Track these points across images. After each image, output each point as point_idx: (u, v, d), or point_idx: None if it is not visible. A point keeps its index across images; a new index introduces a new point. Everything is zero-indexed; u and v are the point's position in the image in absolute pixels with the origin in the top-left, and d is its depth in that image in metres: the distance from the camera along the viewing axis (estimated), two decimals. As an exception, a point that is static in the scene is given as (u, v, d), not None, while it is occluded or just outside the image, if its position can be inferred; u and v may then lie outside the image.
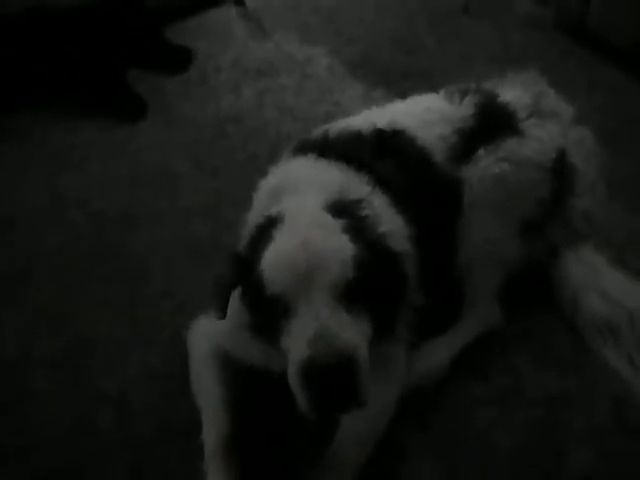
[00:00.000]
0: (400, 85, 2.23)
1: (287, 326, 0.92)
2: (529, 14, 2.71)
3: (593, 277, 1.42)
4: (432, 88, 1.54)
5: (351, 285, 0.91)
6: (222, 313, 1.08)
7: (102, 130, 2.09)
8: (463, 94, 1.42)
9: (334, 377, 0.84)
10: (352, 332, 0.88)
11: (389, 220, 1.09)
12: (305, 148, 1.23)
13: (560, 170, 1.45)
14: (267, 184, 1.19)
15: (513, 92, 1.50)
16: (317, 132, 1.31)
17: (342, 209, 1.01)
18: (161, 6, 2.78)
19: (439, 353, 1.31)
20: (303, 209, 1.01)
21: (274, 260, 0.94)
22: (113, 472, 1.20)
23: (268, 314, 0.96)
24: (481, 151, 1.33)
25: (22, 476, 1.20)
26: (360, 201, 1.04)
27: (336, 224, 0.97)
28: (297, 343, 0.88)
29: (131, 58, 2.44)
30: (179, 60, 2.45)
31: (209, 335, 1.25)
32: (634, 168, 1.94)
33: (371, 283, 0.94)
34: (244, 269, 1.00)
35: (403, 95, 1.58)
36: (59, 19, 2.44)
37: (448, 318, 1.38)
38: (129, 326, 1.47)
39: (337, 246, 0.93)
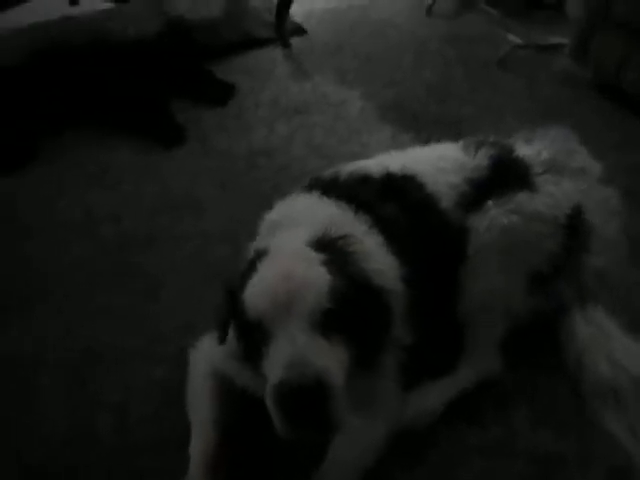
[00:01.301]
0: (428, 131, 2.29)
1: (266, 352, 0.95)
2: (566, 71, 2.74)
3: (601, 340, 1.38)
4: (460, 137, 1.57)
5: (327, 314, 0.95)
6: (221, 340, 1.14)
7: (138, 153, 2.22)
8: (479, 145, 1.45)
9: (305, 399, 0.87)
10: (326, 358, 0.92)
11: (379, 258, 1.12)
12: (313, 185, 1.28)
13: (574, 227, 1.44)
14: (268, 218, 1.25)
15: (531, 147, 1.52)
16: (330, 171, 1.36)
17: (325, 244, 1.06)
18: (210, 42, 2.97)
19: (432, 397, 1.30)
20: (287, 243, 1.08)
21: (255, 289, 1.00)
22: (106, 478, 1.24)
23: (251, 341, 1.01)
24: (490, 202, 1.35)
25: (14, 474, 1.25)
26: (346, 237, 1.08)
27: (316, 257, 1.02)
28: (273, 367, 0.92)
29: (176, 88, 2.61)
30: (221, 94, 2.59)
31: (209, 356, 1.29)
32: (659, 230, 1.90)
33: (348, 314, 0.97)
34: (233, 299, 1.06)
35: (430, 142, 1.62)
36: (118, 50, 2.64)
37: (446, 362, 1.37)
38: (137, 340, 1.53)
39: (314, 277, 0.98)
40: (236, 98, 2.59)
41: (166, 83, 2.60)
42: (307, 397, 0.87)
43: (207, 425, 1.21)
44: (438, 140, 1.61)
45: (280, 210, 1.25)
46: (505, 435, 1.28)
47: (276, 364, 0.91)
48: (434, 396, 1.31)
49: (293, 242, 1.07)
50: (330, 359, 0.92)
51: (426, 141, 1.64)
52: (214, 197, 2.01)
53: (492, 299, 1.32)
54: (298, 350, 0.90)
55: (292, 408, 0.89)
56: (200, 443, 1.19)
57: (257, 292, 0.99)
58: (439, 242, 1.30)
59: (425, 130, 2.31)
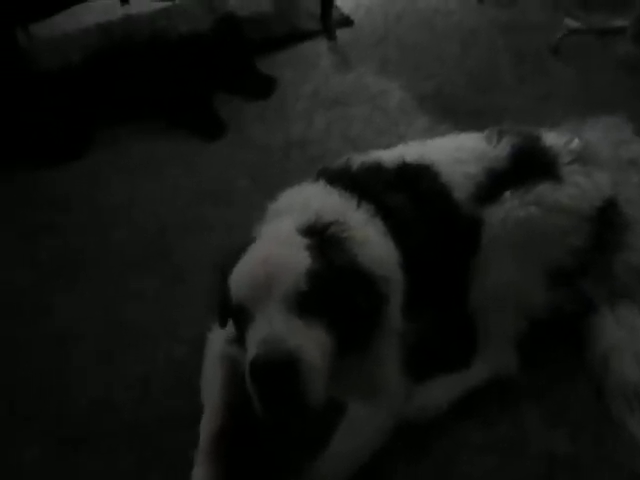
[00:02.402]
0: (467, 122, 2.19)
1: (247, 333, 0.98)
2: (626, 57, 2.55)
3: (630, 340, 1.31)
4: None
5: (304, 296, 0.96)
6: (222, 324, 1.18)
7: (180, 145, 2.32)
8: (502, 135, 1.40)
9: (276, 375, 0.90)
10: (301, 338, 0.93)
11: (377, 246, 1.12)
12: (321, 174, 1.29)
13: (607, 220, 1.36)
14: (272, 206, 1.28)
15: (561, 136, 1.45)
16: (341, 161, 1.37)
17: (316, 230, 1.07)
18: (259, 37, 3.03)
19: (441, 391, 1.28)
20: (276, 229, 1.10)
21: (238, 273, 1.03)
22: (123, 447, 1.32)
23: (236, 323, 1.05)
24: (507, 193, 1.30)
25: (38, 439, 1.36)
26: (339, 224, 1.08)
27: (300, 242, 1.03)
28: (250, 347, 0.95)
29: (221, 82, 2.69)
30: (263, 87, 2.65)
31: (221, 339, 1.34)
32: None
33: (328, 297, 0.98)
34: (222, 283, 1.09)
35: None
36: (171, 47, 2.76)
37: (459, 356, 1.34)
38: (163, 321, 1.62)
39: (293, 260, 1.00)
40: (278, 91, 2.64)
41: (212, 78, 2.69)
42: (278, 373, 0.89)
43: (216, 406, 1.26)
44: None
45: (283, 199, 1.28)
46: (516, 434, 1.25)
47: (252, 343, 0.94)
48: (443, 390, 1.29)
49: (281, 227, 1.09)
50: (305, 339, 0.93)
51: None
52: (244, 189, 2.07)
53: (504, 292, 1.28)
54: (272, 329, 0.92)
55: (264, 383, 0.91)
56: (209, 423, 1.24)
57: (239, 275, 1.02)
58: (449, 233, 1.27)
59: (464, 122, 2.23)
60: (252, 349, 0.93)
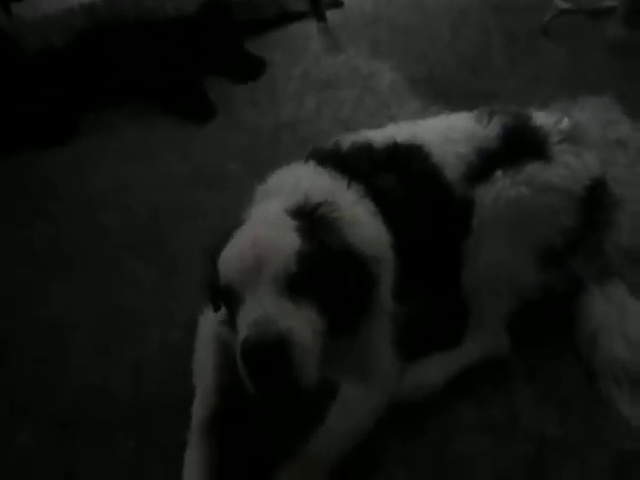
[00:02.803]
0: (460, 104, 2.17)
1: (237, 315, 0.98)
2: (616, 38, 2.55)
3: (618, 318, 1.31)
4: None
5: (294, 277, 0.96)
6: (216, 308, 1.17)
7: (171, 129, 2.30)
8: (492, 115, 1.39)
9: (267, 355, 0.90)
10: (292, 319, 0.93)
11: (367, 226, 1.12)
12: (312, 155, 1.28)
13: (595, 200, 1.37)
14: (261, 187, 1.27)
15: (551, 116, 1.44)
16: (332, 141, 1.36)
17: (305, 211, 1.06)
18: (247, 19, 2.98)
19: (433, 371, 1.29)
20: (264, 211, 1.09)
21: (227, 255, 1.03)
22: (120, 434, 1.33)
23: (227, 306, 1.04)
24: (499, 173, 1.30)
25: (34, 427, 1.36)
26: (328, 205, 1.08)
27: (289, 223, 1.03)
28: (241, 329, 0.95)
29: (210, 64, 2.66)
30: (252, 69, 2.62)
31: (213, 322, 1.34)
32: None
33: (318, 278, 0.98)
34: (212, 267, 1.09)
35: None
36: (157, 29, 2.71)
37: (451, 336, 1.35)
38: (158, 305, 1.62)
39: (282, 241, 0.99)
40: (268, 73, 2.61)
41: (200, 60, 2.65)
42: (270, 354, 0.89)
43: (208, 389, 1.27)
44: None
45: (272, 180, 1.26)
46: (507, 414, 1.26)
47: (243, 325, 0.94)
48: (434, 369, 1.30)
49: (270, 209, 1.09)
50: (296, 320, 0.93)
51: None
52: (236, 172, 2.06)
53: (496, 273, 1.28)
54: (263, 311, 0.92)
55: (255, 365, 0.91)
56: (201, 405, 1.25)
57: (228, 258, 1.02)
58: (440, 213, 1.27)
59: (456, 103, 2.22)
60: (243, 331, 0.93)
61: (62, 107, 2.44)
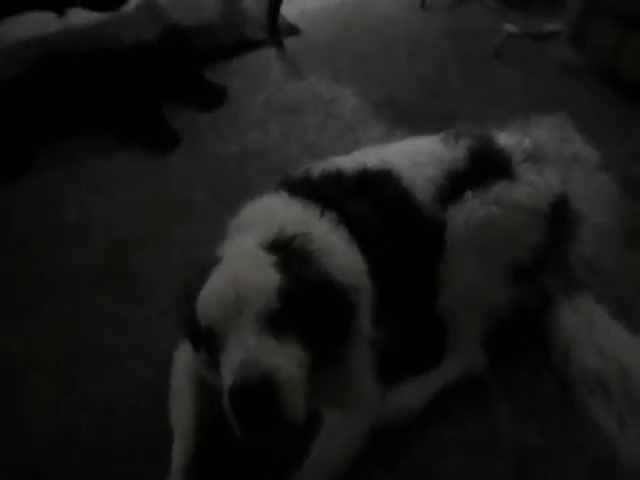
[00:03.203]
0: (422, 126, 2.25)
1: (221, 358, 0.95)
2: (563, 59, 2.69)
3: (587, 329, 1.35)
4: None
5: (276, 314, 0.94)
6: (195, 347, 1.12)
7: (133, 159, 2.26)
8: (458, 137, 1.43)
9: (254, 399, 0.87)
10: (277, 357, 0.91)
11: (343, 255, 1.11)
12: (282, 185, 1.28)
13: (559, 216, 1.42)
14: (234, 222, 1.25)
15: (512, 137, 1.50)
16: (301, 170, 1.36)
17: (280, 245, 1.05)
18: (206, 47, 2.99)
19: (413, 394, 1.29)
20: (240, 247, 1.07)
21: (206, 296, 1.00)
22: (88, 477, 1.26)
23: (207, 348, 1.01)
24: (468, 193, 1.33)
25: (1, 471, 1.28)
26: (303, 236, 1.07)
27: (266, 259, 1.01)
28: (226, 373, 0.92)
29: (170, 94, 2.64)
30: (213, 97, 2.62)
31: (189, 359, 1.30)
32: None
33: (300, 312, 0.97)
34: (188, 306, 1.05)
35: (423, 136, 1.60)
36: (114, 58, 2.69)
37: (429, 359, 1.36)
38: (127, 341, 1.56)
39: (261, 278, 0.97)
40: (230, 100, 2.61)
41: (160, 88, 2.63)
42: (258, 397, 0.87)
43: (187, 427, 1.22)
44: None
45: (245, 213, 1.25)
46: (486, 430, 1.27)
47: (228, 369, 0.91)
48: (414, 392, 1.30)
49: (245, 245, 1.07)
50: (281, 357, 0.91)
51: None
52: (205, 201, 2.03)
53: (471, 294, 1.30)
54: (247, 352, 0.90)
55: (243, 409, 0.89)
56: (180, 446, 1.20)
57: (207, 299, 0.99)
58: (413, 236, 1.28)
59: (418, 126, 2.29)
60: (228, 375, 0.90)
61: (14, 141, 2.36)
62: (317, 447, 1.15)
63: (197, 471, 1.17)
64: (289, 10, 3.11)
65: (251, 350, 0.90)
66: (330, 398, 1.14)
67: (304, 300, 0.98)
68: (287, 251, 1.03)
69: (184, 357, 1.32)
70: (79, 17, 2.68)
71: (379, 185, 1.30)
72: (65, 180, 2.17)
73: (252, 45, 3.05)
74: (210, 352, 1.00)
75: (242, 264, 1.01)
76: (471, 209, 1.32)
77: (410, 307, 1.31)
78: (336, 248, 1.11)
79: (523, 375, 1.36)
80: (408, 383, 1.30)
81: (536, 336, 1.41)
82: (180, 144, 2.33)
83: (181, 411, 1.25)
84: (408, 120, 2.38)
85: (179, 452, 1.19)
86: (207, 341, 1.00)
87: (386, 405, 1.24)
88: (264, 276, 0.98)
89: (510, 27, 2.85)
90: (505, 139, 1.47)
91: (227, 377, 0.91)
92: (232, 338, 0.93)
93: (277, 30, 3.02)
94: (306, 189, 1.25)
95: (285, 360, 0.92)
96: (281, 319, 0.94)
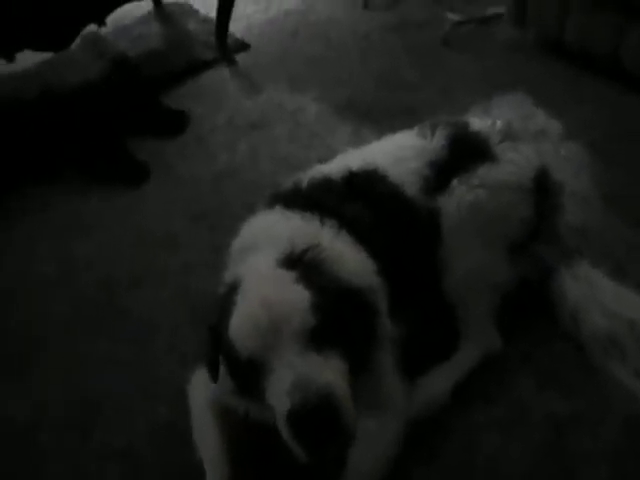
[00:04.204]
0: (387, 122, 2.28)
1: (266, 383, 0.94)
2: (510, 39, 2.77)
3: (591, 293, 1.41)
4: (418, 122, 1.57)
5: (315, 330, 0.94)
6: (214, 379, 1.12)
7: (108, 197, 2.19)
8: (434, 128, 1.46)
9: (318, 419, 0.87)
10: (326, 372, 0.91)
11: (352, 259, 1.13)
12: (274, 200, 1.28)
13: (542, 188, 1.46)
14: (235, 244, 1.24)
15: (484, 120, 1.54)
16: (289, 182, 1.36)
17: (295, 260, 1.05)
18: (158, 74, 2.95)
19: (439, 383, 1.31)
20: (257, 269, 1.06)
21: (239, 325, 0.98)
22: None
23: (248, 377, 0.99)
24: (455, 181, 1.36)
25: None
26: (313, 248, 1.07)
27: (289, 277, 1.01)
28: (279, 397, 0.91)
29: (130, 126, 2.59)
30: (175, 123, 2.57)
31: (206, 386, 1.28)
32: (628, 178, 1.93)
33: (334, 322, 0.97)
34: (216, 340, 1.04)
35: (391, 131, 1.61)
36: (64, 99, 2.62)
37: (447, 346, 1.38)
38: (135, 383, 1.52)
39: (294, 297, 0.97)
40: (192, 124, 2.57)
41: (119, 123, 2.58)
42: (319, 416, 0.87)
43: (218, 456, 1.20)
44: (398, 130, 1.59)
45: (245, 234, 1.24)
46: (515, 407, 1.30)
47: (281, 394, 0.90)
48: (440, 381, 1.32)
49: (263, 266, 1.05)
50: (329, 372, 0.92)
51: (389, 132, 1.63)
52: (187, 228, 2.00)
53: (475, 276, 1.33)
54: (297, 373, 0.89)
55: (308, 432, 0.88)
56: (214, 476, 1.18)
57: (241, 329, 0.97)
58: (411, 229, 1.30)
59: (383, 122, 2.31)
60: (282, 400, 0.89)
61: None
62: (355, 454, 1.14)
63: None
64: (235, 26, 3.08)
65: (300, 370, 0.90)
66: (360, 402, 1.13)
67: (334, 311, 0.97)
68: (304, 265, 1.03)
69: (200, 389, 1.30)
70: (26, 60, 2.60)
71: (368, 185, 1.32)
72: (40, 229, 2.09)
73: (204, 66, 3.00)
74: (249, 382, 0.99)
75: (267, 286, 0.99)
76: (460, 195, 1.35)
77: (420, 298, 1.32)
78: (344, 253, 1.12)
79: (538, 346, 1.40)
80: (432, 373, 1.32)
81: (542, 307, 1.45)
82: (151, 175, 2.28)
83: (208, 443, 1.23)
84: (372, 118, 2.40)
85: None
86: (246, 371, 0.98)
87: (415, 399, 1.25)
88: (294, 295, 0.97)
89: (453, 15, 2.91)
90: (478, 123, 1.51)
91: (280, 402, 0.90)
92: (276, 363, 0.92)
93: (227, 47, 3.00)
94: (300, 200, 1.25)
95: (333, 374, 0.92)
96: (319, 334, 0.94)
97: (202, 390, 1.29)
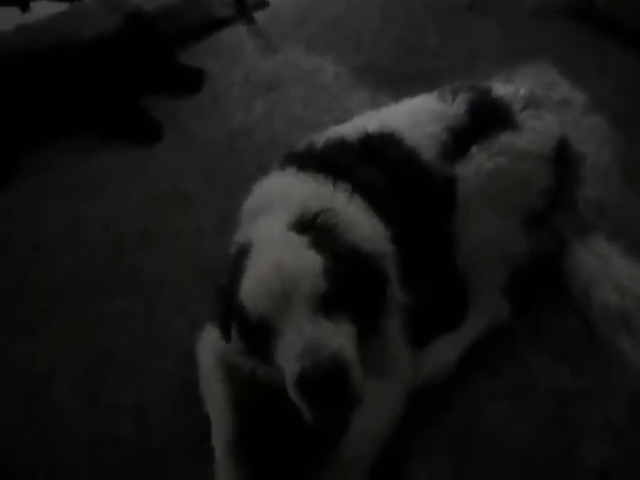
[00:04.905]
0: (406, 87, 2.20)
1: (276, 346, 0.95)
2: (537, 4, 2.67)
3: (604, 267, 1.39)
4: (437, 88, 1.52)
5: (326, 295, 0.94)
6: (227, 340, 1.12)
7: (119, 155, 2.18)
8: (455, 92, 1.42)
9: (327, 382, 0.88)
10: (336, 337, 0.92)
11: (365, 224, 1.11)
12: (288, 161, 1.26)
13: (563, 159, 1.43)
14: (247, 204, 1.23)
15: (508, 86, 1.49)
16: (303, 142, 1.34)
17: (307, 224, 1.04)
18: (174, 30, 2.89)
19: (446, 351, 1.31)
20: (269, 232, 1.05)
21: (251, 288, 0.98)
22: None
23: (257, 339, 0.99)
24: (474, 148, 1.33)
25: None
26: (326, 211, 1.06)
27: (301, 241, 1.00)
28: (288, 360, 0.92)
29: (145, 83, 2.55)
30: (192, 81, 2.53)
31: (215, 344, 1.29)
32: (650, 153, 1.88)
33: (345, 288, 0.97)
34: (227, 301, 1.04)
35: (410, 96, 1.56)
36: (78, 53, 2.58)
37: (455, 315, 1.37)
38: (145, 341, 1.53)
39: (306, 262, 0.96)
40: (209, 82, 2.53)
41: (134, 79, 2.54)
42: (329, 380, 0.88)
43: (224, 413, 1.22)
44: (418, 95, 1.55)
45: (257, 195, 1.23)
46: (522, 378, 1.30)
47: (290, 356, 0.91)
48: (447, 349, 1.32)
49: (274, 228, 1.05)
50: (340, 338, 0.92)
51: (408, 97, 1.59)
52: (200, 188, 1.98)
53: (490, 245, 1.31)
54: (308, 338, 0.90)
55: (317, 395, 0.89)
56: (221, 432, 1.20)
57: (253, 291, 0.97)
58: (426, 195, 1.28)
59: (402, 87, 2.23)
60: (292, 363, 0.90)
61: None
62: (360, 417, 1.15)
63: (240, 455, 1.18)
64: (253, -17, 3.01)
65: (311, 334, 0.90)
66: (368, 366, 1.14)
67: (345, 276, 0.97)
68: (316, 229, 1.02)
69: (209, 347, 1.31)
70: (41, 11, 2.55)
71: (384, 148, 1.29)
72: (51, 186, 2.09)
73: (221, 23, 2.94)
74: (259, 344, 0.99)
75: (279, 250, 0.99)
76: (479, 163, 1.32)
77: (431, 266, 1.31)
78: (357, 218, 1.11)
79: (547, 319, 1.39)
80: (439, 342, 1.32)
81: (555, 280, 1.43)
82: (165, 134, 2.26)
83: (215, 398, 1.26)
84: (391, 82, 2.34)
85: (219, 439, 1.20)
86: (257, 333, 0.98)
87: (421, 366, 1.25)
88: (306, 260, 0.97)
89: (480, -23, 2.80)
90: (502, 89, 1.47)
91: (290, 364, 0.91)
92: (286, 326, 0.93)
93: (246, 5, 2.92)
94: (313, 162, 1.23)
95: (343, 338, 0.92)
96: (330, 299, 0.94)
97: (210, 348, 1.31)
